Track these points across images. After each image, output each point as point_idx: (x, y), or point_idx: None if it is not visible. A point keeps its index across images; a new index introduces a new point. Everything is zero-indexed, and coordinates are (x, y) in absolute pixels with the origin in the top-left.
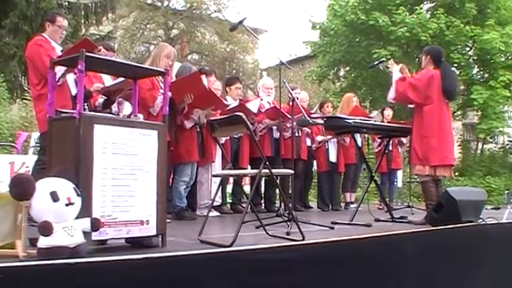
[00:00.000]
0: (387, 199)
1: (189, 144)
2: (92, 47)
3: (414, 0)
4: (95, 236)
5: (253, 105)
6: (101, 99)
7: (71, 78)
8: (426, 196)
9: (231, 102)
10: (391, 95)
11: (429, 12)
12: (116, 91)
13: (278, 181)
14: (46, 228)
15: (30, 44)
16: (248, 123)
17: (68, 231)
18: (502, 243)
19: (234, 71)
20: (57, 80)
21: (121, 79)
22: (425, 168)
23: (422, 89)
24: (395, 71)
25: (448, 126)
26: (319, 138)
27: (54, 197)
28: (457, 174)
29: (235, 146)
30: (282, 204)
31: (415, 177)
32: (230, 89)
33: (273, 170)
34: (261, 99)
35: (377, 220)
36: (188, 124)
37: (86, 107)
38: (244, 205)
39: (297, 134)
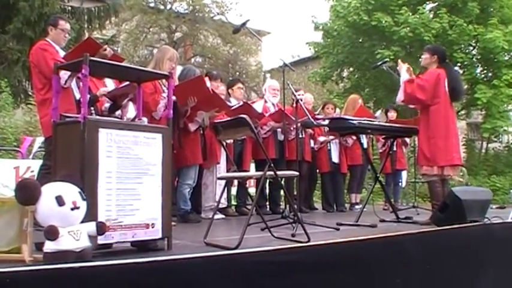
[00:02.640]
0: (392, 200)
1: (194, 147)
2: (96, 47)
3: (417, 0)
4: (101, 239)
5: (256, 107)
6: (107, 104)
7: (74, 82)
8: (433, 196)
9: (235, 103)
10: (400, 96)
11: (432, 12)
12: (122, 95)
13: (283, 183)
14: (52, 233)
15: (34, 49)
16: (252, 125)
17: (74, 236)
18: (508, 243)
19: (238, 74)
20: (64, 82)
21: (127, 83)
22: (433, 168)
23: (430, 89)
24: (403, 71)
25: (454, 126)
26: (321, 138)
27: (60, 201)
28: (461, 174)
29: (239, 148)
30: (287, 206)
31: (420, 177)
32: (232, 90)
33: (278, 172)
34: (265, 101)
35: (382, 221)
36: (192, 127)
37: (93, 111)
38: (249, 207)
39: (300, 136)
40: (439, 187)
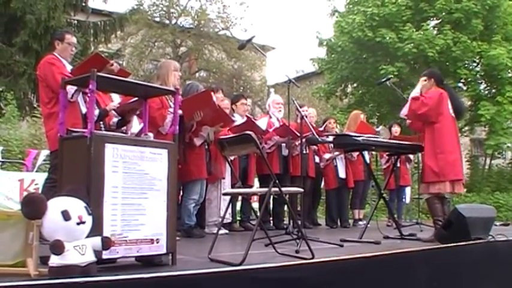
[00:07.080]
0: (396, 216)
1: (199, 161)
2: (103, 62)
3: (421, 17)
4: (106, 254)
5: (261, 123)
6: (115, 119)
7: (81, 96)
8: (432, 212)
9: (238, 118)
10: (405, 111)
11: (436, 29)
12: (131, 111)
13: (287, 198)
14: (57, 247)
15: (42, 63)
16: (258, 142)
17: (79, 250)
18: None
19: (242, 88)
20: (70, 96)
21: (136, 98)
22: (446, 186)
23: (433, 106)
24: (418, 85)
25: (458, 142)
26: (327, 156)
27: (66, 216)
28: (465, 190)
29: (244, 163)
30: (291, 221)
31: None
32: (236, 105)
33: (283, 189)
34: (270, 117)
35: (386, 237)
36: (198, 141)
37: (102, 126)
38: (253, 222)
39: (304, 152)
40: (437, 203)
